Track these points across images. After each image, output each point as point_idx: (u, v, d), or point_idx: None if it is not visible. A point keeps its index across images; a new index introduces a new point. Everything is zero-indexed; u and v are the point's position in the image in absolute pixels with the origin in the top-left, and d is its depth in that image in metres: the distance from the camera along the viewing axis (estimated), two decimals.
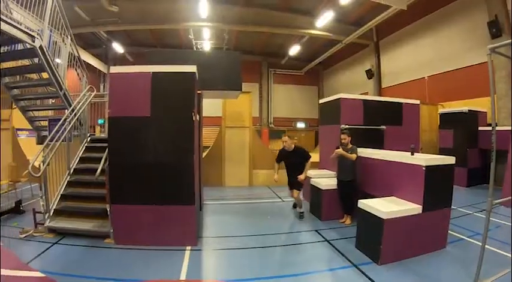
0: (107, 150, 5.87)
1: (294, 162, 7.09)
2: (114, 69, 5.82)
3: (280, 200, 9.46)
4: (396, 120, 8.78)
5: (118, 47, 22.46)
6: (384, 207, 4.87)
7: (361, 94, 17.41)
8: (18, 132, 12.18)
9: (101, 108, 9.57)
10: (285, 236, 6.30)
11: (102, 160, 5.92)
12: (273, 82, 28.82)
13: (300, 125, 28.86)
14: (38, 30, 6.03)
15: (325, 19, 16.51)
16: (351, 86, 23.45)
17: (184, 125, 5.62)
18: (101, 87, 23.80)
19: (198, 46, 21.26)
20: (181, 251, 5.23)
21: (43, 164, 5.94)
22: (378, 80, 20.56)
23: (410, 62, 17.80)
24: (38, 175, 5.86)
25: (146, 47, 22.01)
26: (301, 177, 6.87)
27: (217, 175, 11.53)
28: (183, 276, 4.35)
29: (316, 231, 6.36)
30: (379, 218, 4.74)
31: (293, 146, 7.09)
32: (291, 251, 5.49)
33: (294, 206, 7.83)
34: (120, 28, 18.86)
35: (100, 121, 20.32)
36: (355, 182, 6.68)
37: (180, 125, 5.60)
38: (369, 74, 20.78)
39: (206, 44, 21.13)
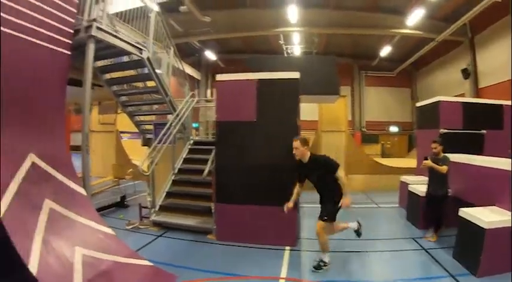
0: (213, 152, 6.20)
1: (317, 178, 4.85)
2: (221, 77, 6.14)
3: (375, 205, 9.35)
4: (496, 123, 8.09)
5: (210, 55, 23.70)
6: (485, 216, 4.57)
7: (457, 96, 16.12)
8: (122, 134, 13.58)
9: (195, 112, 10.09)
10: (380, 242, 6.10)
11: (209, 162, 6.24)
12: (365, 84, 27.67)
13: (393, 128, 27.06)
14: (143, 42, 6.61)
15: (415, 17, 15.44)
16: (446, 87, 21.20)
17: (289, 130, 5.61)
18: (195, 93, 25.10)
19: (289, 51, 21.35)
20: (281, 251, 5.39)
21: (151, 164, 6.54)
22: (474, 79, 18.31)
23: (508, 58, 15.74)
24: (147, 174, 6.49)
25: (237, 54, 23.11)
26: (347, 202, 4.55)
27: None
28: (283, 274, 4.53)
29: (412, 239, 6.09)
30: (481, 227, 4.44)
31: (308, 154, 4.74)
32: (386, 257, 5.40)
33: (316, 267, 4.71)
34: (212, 37, 19.93)
35: (194, 125, 21.65)
36: (447, 196, 5.87)
37: (284, 129, 5.65)
38: (465, 73, 18.49)
39: (296, 49, 21.12)
